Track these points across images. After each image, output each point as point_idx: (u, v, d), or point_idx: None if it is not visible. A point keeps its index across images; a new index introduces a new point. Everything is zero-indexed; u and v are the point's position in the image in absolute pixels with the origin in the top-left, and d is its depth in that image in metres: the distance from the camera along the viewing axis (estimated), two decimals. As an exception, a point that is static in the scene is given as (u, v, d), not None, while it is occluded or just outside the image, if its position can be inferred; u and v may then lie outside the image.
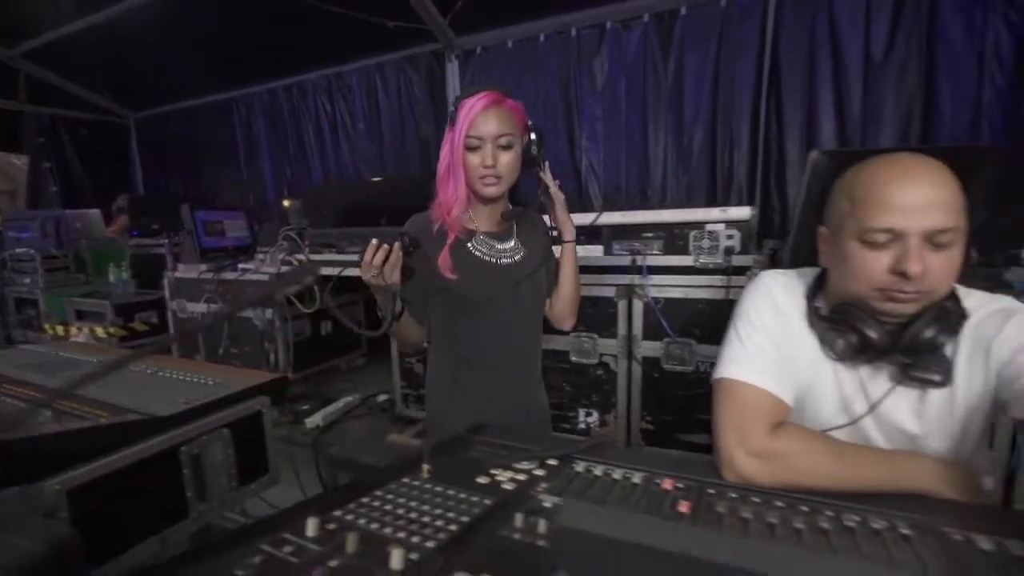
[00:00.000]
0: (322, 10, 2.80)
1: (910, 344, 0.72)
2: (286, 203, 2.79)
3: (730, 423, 0.78)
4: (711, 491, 0.75)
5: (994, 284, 1.28)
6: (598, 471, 0.79)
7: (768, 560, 0.25)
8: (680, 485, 0.76)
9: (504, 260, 1.19)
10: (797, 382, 0.84)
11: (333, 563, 0.51)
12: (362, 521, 0.61)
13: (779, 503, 0.71)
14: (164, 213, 3.24)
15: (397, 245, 1.03)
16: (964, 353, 0.75)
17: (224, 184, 4.38)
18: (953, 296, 0.77)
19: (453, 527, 0.59)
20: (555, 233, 1.24)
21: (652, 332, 1.60)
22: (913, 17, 2.33)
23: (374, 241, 1.02)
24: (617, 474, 0.79)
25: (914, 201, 0.69)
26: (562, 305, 1.28)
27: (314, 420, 2.15)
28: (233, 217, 2.64)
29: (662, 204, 2.86)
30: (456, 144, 1.09)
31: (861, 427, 0.82)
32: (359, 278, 1.14)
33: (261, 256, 2.29)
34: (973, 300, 0.78)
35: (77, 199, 4.39)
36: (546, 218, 1.28)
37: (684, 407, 1.68)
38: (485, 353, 1.18)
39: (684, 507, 0.69)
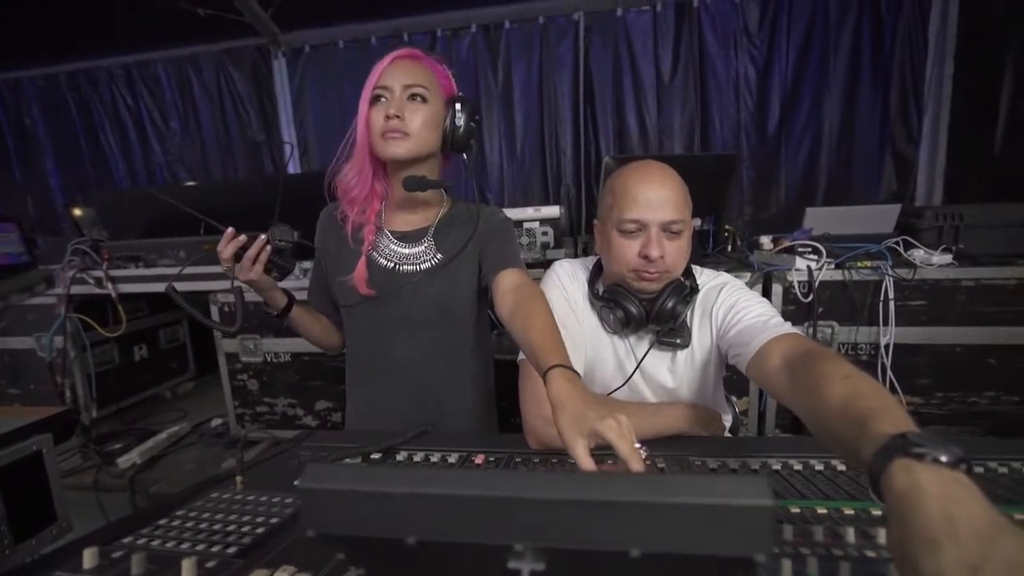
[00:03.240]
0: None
1: (658, 314, 0.92)
2: (77, 211, 2.37)
3: (531, 398, 0.90)
4: (518, 459, 0.86)
5: (740, 264, 1.62)
6: (418, 457, 0.86)
7: (502, 483, 0.32)
8: (491, 458, 0.86)
9: (405, 267, 1.04)
10: (584, 353, 1.00)
11: (116, 587, 0.49)
12: (155, 543, 0.59)
13: (572, 460, 0.85)
14: None
15: (260, 241, 0.96)
16: (696, 319, 0.97)
17: (-12, 188, 3.56)
18: (690, 274, 0.98)
19: (260, 530, 0.61)
20: None
21: (484, 326, 1.71)
22: (688, 50, 2.82)
23: (229, 230, 0.95)
24: (435, 457, 0.86)
25: (653, 199, 0.88)
26: None
27: (129, 458, 1.88)
28: (0, 230, 2.17)
29: (500, 205, 3.04)
30: (361, 104, 0.95)
31: (635, 386, 1.00)
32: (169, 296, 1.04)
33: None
34: (704, 277, 1.01)
35: None
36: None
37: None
38: (378, 362, 1.08)
39: (489, 475, 0.78)
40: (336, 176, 1.02)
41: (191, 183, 3.10)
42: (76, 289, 1.86)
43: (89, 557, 0.54)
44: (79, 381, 1.97)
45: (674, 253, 0.90)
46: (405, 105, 0.94)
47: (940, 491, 0.38)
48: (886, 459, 0.42)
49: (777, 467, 0.74)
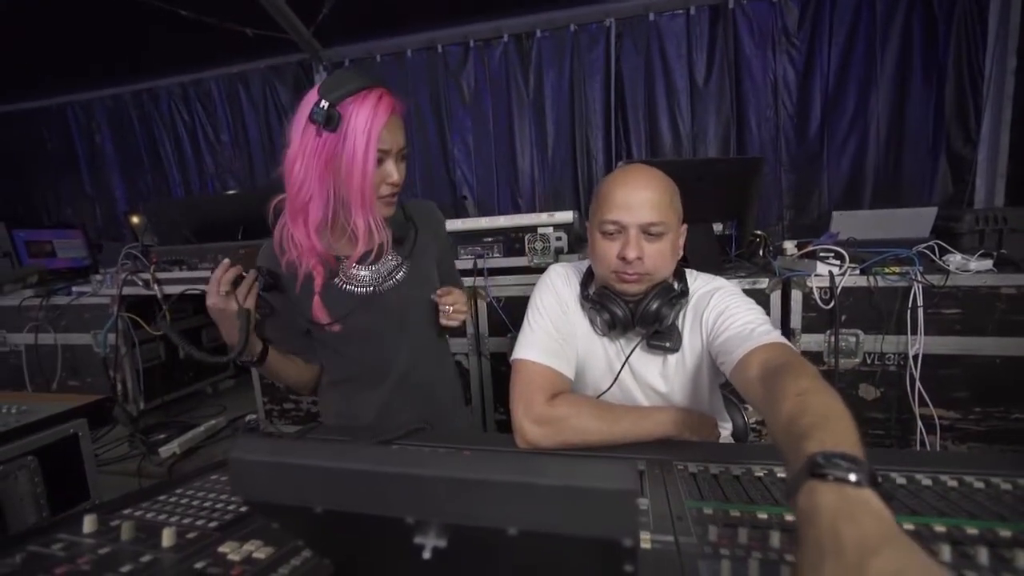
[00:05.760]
0: (168, 12, 2.65)
1: (643, 316, 0.91)
2: (134, 219, 2.58)
3: (519, 397, 0.91)
4: (505, 456, 0.88)
5: (761, 270, 1.57)
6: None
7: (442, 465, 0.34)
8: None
9: (387, 285, 1.05)
10: (576, 355, 1.00)
11: (104, 550, 0.55)
12: (150, 514, 0.64)
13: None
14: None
15: (253, 272, 0.95)
16: (688, 323, 0.95)
17: (64, 199, 3.91)
18: (682, 278, 0.97)
19: (244, 509, 0.65)
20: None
21: (497, 329, 1.73)
22: (723, 53, 2.76)
23: (226, 261, 0.93)
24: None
25: (632, 201, 0.88)
26: None
27: (170, 448, 2.02)
28: (66, 236, 2.39)
29: (531, 211, 3.06)
30: (356, 157, 0.88)
31: (628, 389, 1.00)
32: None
33: (99, 277, 2.11)
34: (698, 282, 0.99)
35: None
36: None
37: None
38: (374, 375, 1.09)
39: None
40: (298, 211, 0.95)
41: (232, 192, 3.30)
42: (127, 291, 2.01)
43: (89, 523, 0.60)
44: (128, 375, 2.13)
45: (654, 256, 0.89)
46: (401, 168, 0.97)
47: (835, 509, 0.38)
48: (799, 482, 0.42)
49: (760, 474, 0.72)
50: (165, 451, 1.96)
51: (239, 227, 2.10)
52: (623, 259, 0.88)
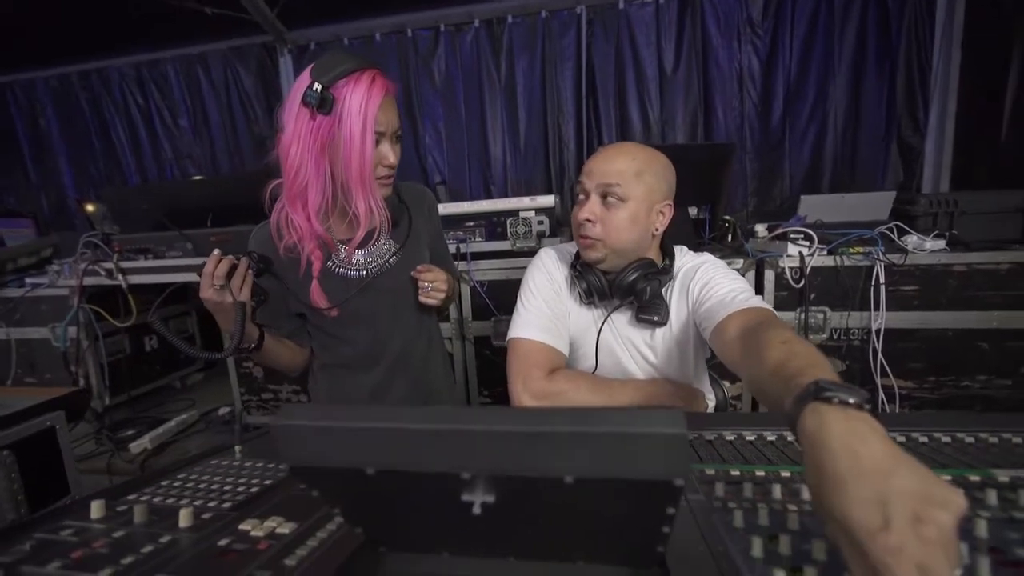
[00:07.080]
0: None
1: (618, 287, 0.95)
2: (90, 207, 2.44)
3: (517, 373, 0.93)
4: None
5: (734, 252, 1.64)
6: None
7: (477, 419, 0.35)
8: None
9: (381, 269, 1.04)
10: (570, 331, 1.03)
11: (118, 533, 0.54)
12: (157, 499, 0.63)
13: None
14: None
15: (245, 260, 0.92)
16: (675, 296, 0.99)
17: (5, 186, 3.66)
18: (669, 255, 1.00)
19: (254, 489, 0.65)
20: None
21: (480, 313, 1.75)
22: (691, 42, 2.82)
23: (216, 252, 0.90)
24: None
25: (596, 167, 0.93)
26: None
27: (140, 444, 1.95)
28: (16, 225, 2.24)
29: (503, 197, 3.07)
30: (354, 140, 0.87)
31: (621, 363, 1.03)
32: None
33: (56, 268, 1.99)
34: (686, 257, 1.03)
35: None
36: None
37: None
38: (367, 358, 1.09)
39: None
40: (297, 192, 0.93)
41: (198, 178, 3.17)
42: (88, 281, 1.92)
43: (96, 508, 0.58)
44: (92, 370, 2.03)
45: (608, 221, 0.92)
46: (396, 150, 0.96)
47: (844, 428, 0.40)
48: (801, 405, 0.45)
49: (751, 438, 0.76)
50: (136, 447, 1.90)
51: (207, 214, 2.02)
52: (581, 222, 0.93)
